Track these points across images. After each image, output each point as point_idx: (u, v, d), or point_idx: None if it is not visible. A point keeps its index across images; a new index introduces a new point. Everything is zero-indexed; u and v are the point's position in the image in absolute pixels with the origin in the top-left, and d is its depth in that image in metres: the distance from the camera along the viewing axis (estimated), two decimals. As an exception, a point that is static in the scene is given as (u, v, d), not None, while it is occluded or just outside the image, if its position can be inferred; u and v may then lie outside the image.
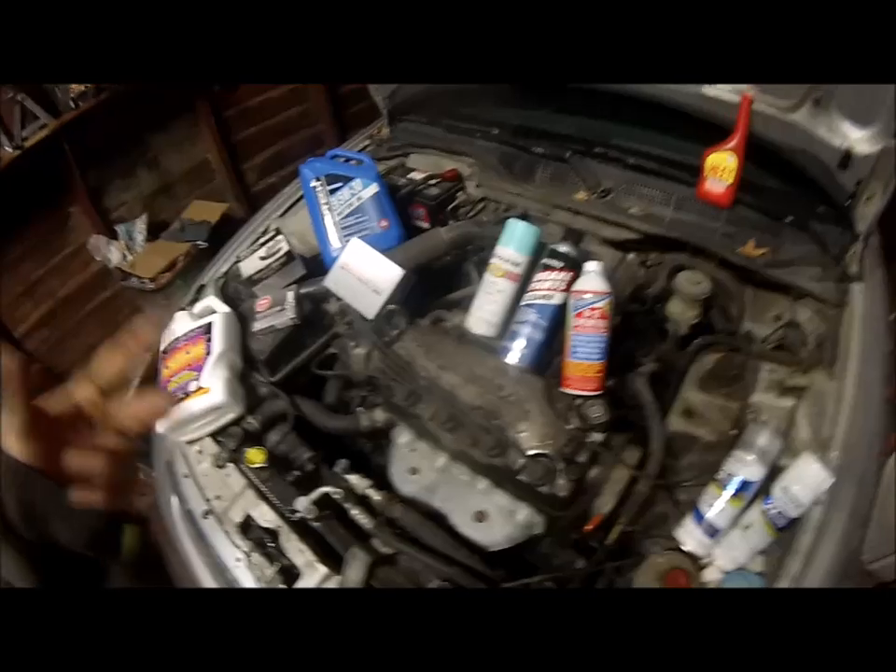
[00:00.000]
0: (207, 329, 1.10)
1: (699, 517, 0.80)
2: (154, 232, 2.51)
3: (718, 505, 0.78)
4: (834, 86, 0.92)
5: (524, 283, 1.01)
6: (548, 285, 0.95)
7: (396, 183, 1.34)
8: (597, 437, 0.87)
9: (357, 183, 1.20)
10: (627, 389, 0.93)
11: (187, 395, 1.01)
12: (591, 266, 0.90)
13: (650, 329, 1.06)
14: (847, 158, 0.96)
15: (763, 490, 0.79)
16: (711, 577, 0.78)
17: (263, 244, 1.18)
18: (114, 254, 2.42)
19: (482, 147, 1.35)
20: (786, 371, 0.95)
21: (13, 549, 0.41)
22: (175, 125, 2.54)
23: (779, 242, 1.07)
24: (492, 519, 0.89)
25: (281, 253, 1.16)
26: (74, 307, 2.47)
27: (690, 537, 0.80)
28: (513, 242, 1.02)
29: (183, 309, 1.19)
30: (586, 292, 0.87)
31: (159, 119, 2.50)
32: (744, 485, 0.78)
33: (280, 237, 1.18)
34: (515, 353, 0.95)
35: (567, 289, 0.93)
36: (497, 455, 0.88)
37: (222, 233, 2.34)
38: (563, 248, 0.99)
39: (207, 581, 1.00)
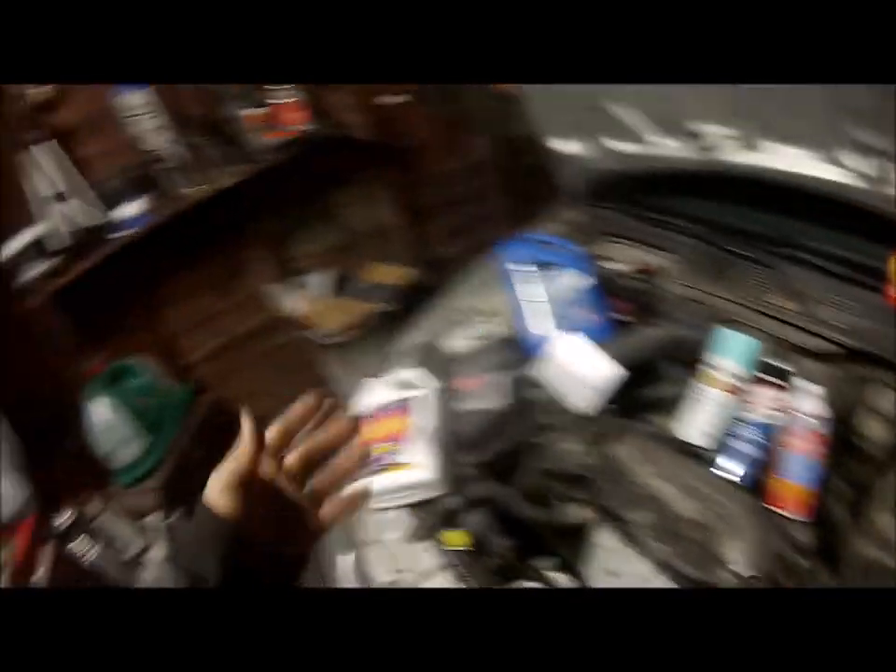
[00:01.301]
0: (411, 403, 1.31)
1: None
2: (335, 288, 2.92)
3: None
4: None
5: (738, 395, 1.19)
6: (767, 402, 1.13)
7: (597, 273, 1.49)
8: (803, 563, 1.03)
9: (567, 273, 1.40)
10: (824, 511, 1.09)
11: (388, 466, 1.24)
12: (813, 388, 1.09)
13: (842, 447, 1.18)
14: None
15: None
16: None
17: (469, 323, 1.41)
18: (291, 303, 2.86)
19: (681, 242, 1.56)
20: None
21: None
22: (361, 184, 2.95)
23: None
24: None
25: (492, 335, 1.39)
26: (245, 347, 2.98)
27: None
28: (731, 353, 1.18)
29: (374, 376, 1.45)
30: (808, 414, 1.06)
31: (346, 177, 2.91)
32: None
33: (490, 319, 1.39)
34: (734, 469, 1.13)
35: (785, 407, 1.12)
36: (705, 570, 1.05)
37: (406, 299, 2.73)
38: (780, 364, 1.17)
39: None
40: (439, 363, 1.50)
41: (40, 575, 1.68)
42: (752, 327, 1.41)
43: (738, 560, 1.06)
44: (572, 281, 1.43)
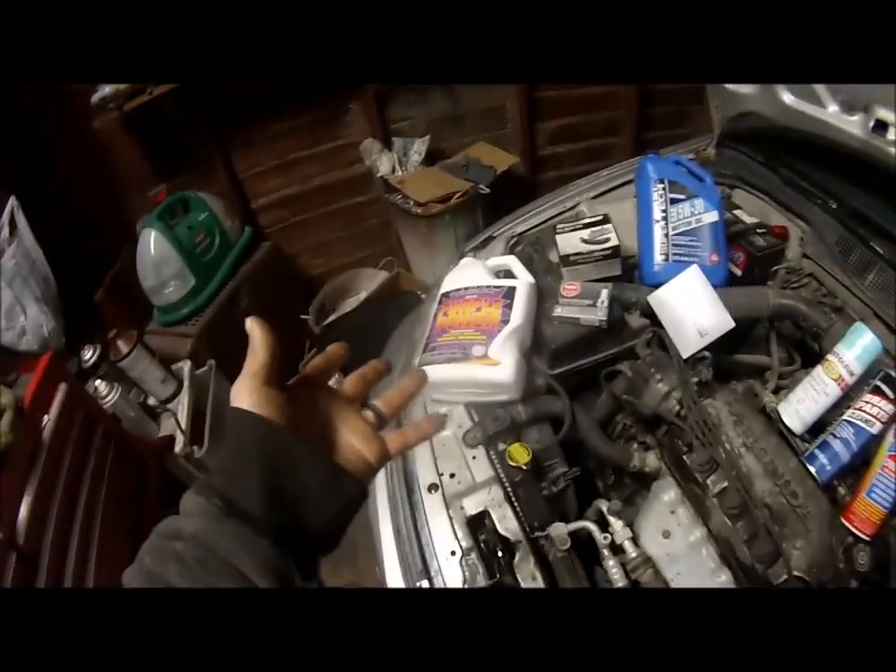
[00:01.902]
0: (508, 293, 1.22)
1: None
2: (431, 158, 2.80)
3: None
4: None
5: (848, 392, 1.14)
6: (875, 411, 1.08)
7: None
8: (854, 583, 1.01)
9: (699, 203, 1.34)
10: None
11: (467, 357, 1.14)
12: None
13: None
14: None
15: None
16: None
17: (587, 225, 1.32)
18: (384, 164, 2.71)
19: (819, 216, 1.49)
20: None
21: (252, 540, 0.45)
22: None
23: None
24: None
25: (608, 245, 1.30)
26: (324, 199, 2.88)
27: None
28: (857, 349, 1.13)
29: (466, 254, 1.36)
30: None
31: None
32: None
33: (609, 226, 1.31)
34: (821, 465, 1.09)
35: (889, 421, 1.06)
36: (758, 559, 1.03)
37: (505, 186, 2.66)
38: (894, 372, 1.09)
39: (391, 555, 1.13)
40: (542, 258, 1.42)
41: (51, 417, 1.51)
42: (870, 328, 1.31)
43: (795, 560, 1.04)
44: (703, 213, 1.35)
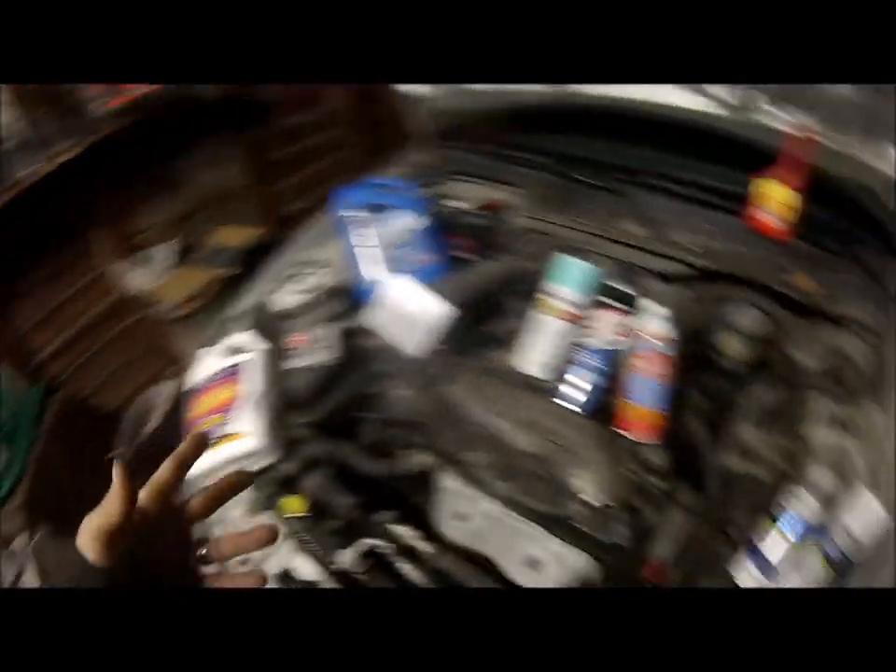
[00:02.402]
0: (240, 367, 1.27)
1: (755, 554, 0.96)
2: (182, 258, 2.83)
3: (774, 542, 0.95)
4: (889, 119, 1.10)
5: (577, 322, 1.18)
6: (606, 325, 1.13)
7: (438, 213, 1.50)
8: (657, 483, 1.06)
9: (398, 213, 1.39)
10: (680, 428, 1.12)
11: (218, 440, 1.18)
12: (655, 308, 1.09)
13: (698, 364, 1.24)
14: None
15: (819, 526, 0.97)
16: None
17: (300, 276, 1.38)
18: (137, 280, 2.75)
19: (529, 176, 1.58)
20: (840, 406, 1.13)
21: None
22: (206, 146, 2.87)
23: (830, 273, 1.28)
24: (545, 566, 1.06)
25: (322, 287, 1.36)
26: (101, 331, 2.84)
27: (745, 573, 0.97)
28: (568, 280, 1.18)
29: (209, 345, 1.40)
30: (650, 335, 1.07)
31: (188, 140, 2.81)
32: (800, 522, 0.95)
33: (319, 270, 1.37)
34: (571, 397, 1.13)
35: (627, 330, 1.12)
36: (554, 503, 1.07)
37: (253, 260, 2.53)
38: (619, 286, 1.16)
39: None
40: (269, 323, 1.47)
41: None
42: (600, 254, 1.42)
43: (588, 490, 1.08)
44: (406, 223, 1.43)
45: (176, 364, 2.90)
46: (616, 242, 1.44)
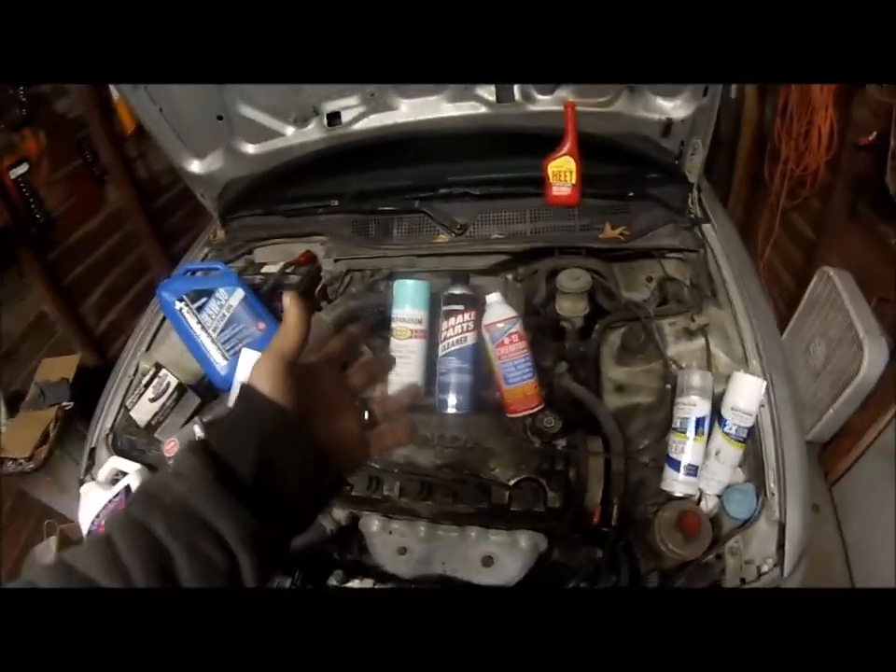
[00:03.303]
0: (127, 493, 1.22)
1: (676, 465, 1.08)
2: (11, 406, 2.58)
3: (687, 448, 1.08)
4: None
5: (429, 336, 1.23)
6: (458, 329, 1.19)
7: (253, 282, 1.52)
8: (562, 442, 1.14)
9: (221, 293, 1.40)
10: (557, 392, 1.21)
11: None
12: (492, 298, 1.18)
13: (546, 333, 1.37)
14: (668, 126, 1.39)
15: (715, 418, 1.12)
16: (710, 504, 1.10)
17: (147, 384, 1.31)
18: None
19: (328, 221, 1.65)
20: (684, 319, 1.28)
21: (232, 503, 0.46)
22: (2, 282, 2.64)
23: (630, 216, 1.47)
24: (499, 558, 1.10)
25: (171, 388, 1.30)
26: None
27: (677, 483, 1.08)
28: (408, 301, 1.22)
29: (84, 481, 1.33)
30: (498, 322, 1.15)
31: None
32: (700, 422, 1.09)
33: (163, 372, 1.31)
34: (451, 402, 1.17)
35: (476, 327, 1.19)
36: (482, 498, 1.12)
37: (85, 387, 2.53)
38: (458, 290, 1.23)
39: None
40: (132, 440, 1.41)
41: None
42: (421, 270, 1.54)
43: (504, 474, 1.16)
44: (229, 298, 1.43)
45: (49, 518, 2.70)
46: (431, 255, 1.55)
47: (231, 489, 0.47)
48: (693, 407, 1.12)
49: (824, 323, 2.22)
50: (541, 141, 1.45)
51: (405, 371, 1.22)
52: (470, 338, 1.20)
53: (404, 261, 1.55)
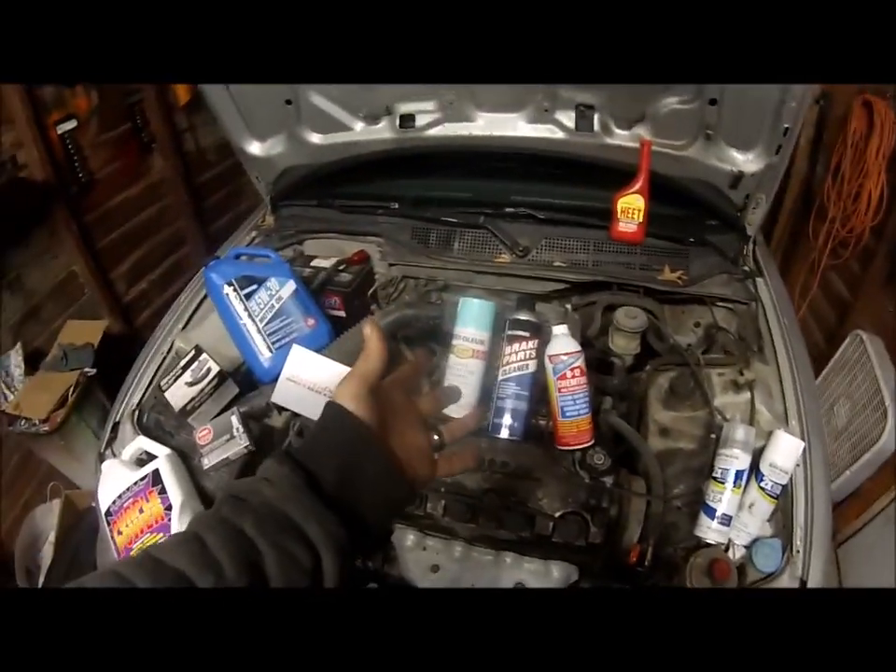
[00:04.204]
0: (154, 478, 1.21)
1: (711, 513, 1.14)
2: (32, 364, 2.55)
3: (724, 498, 1.14)
4: (720, 121, 1.36)
5: (489, 358, 1.23)
6: (521, 355, 1.20)
7: (301, 274, 1.54)
8: (609, 480, 1.19)
9: (272, 283, 1.40)
10: (601, 427, 1.24)
11: None
12: (559, 329, 1.21)
13: (592, 365, 1.33)
14: (738, 179, 1.44)
15: (752, 471, 1.17)
16: (738, 554, 1.16)
17: (185, 367, 1.31)
18: None
19: (387, 224, 1.67)
20: (732, 371, 1.33)
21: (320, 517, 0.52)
22: (34, 237, 2.63)
23: (687, 261, 1.52)
24: (529, 586, 1.16)
25: (211, 375, 1.30)
26: None
27: (710, 531, 1.14)
28: (473, 320, 1.22)
29: (104, 455, 1.34)
30: (562, 354, 1.19)
31: (14, 233, 2.53)
32: (739, 475, 1.15)
33: (204, 357, 1.32)
34: (505, 427, 1.17)
35: (538, 356, 1.20)
36: (526, 527, 1.16)
37: (109, 355, 2.56)
38: (524, 316, 1.24)
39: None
40: (160, 420, 1.42)
41: None
42: (478, 287, 1.57)
43: (549, 505, 1.20)
44: (280, 289, 1.44)
45: (54, 481, 2.69)
46: (490, 273, 1.58)
47: (317, 495, 0.53)
48: (735, 460, 1.18)
49: (851, 385, 2.28)
50: (611, 174, 1.50)
51: (463, 390, 1.23)
52: (532, 365, 1.21)
53: (462, 275, 1.58)
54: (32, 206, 2.55)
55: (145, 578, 0.46)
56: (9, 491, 2.67)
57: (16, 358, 2.54)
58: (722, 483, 1.17)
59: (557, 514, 1.18)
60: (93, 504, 2.34)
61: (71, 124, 2.57)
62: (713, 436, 1.26)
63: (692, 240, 1.57)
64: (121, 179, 2.95)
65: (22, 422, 2.42)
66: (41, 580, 2.51)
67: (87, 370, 2.51)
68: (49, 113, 2.47)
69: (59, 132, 2.52)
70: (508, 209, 1.63)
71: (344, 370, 1.25)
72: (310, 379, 1.28)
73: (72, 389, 2.44)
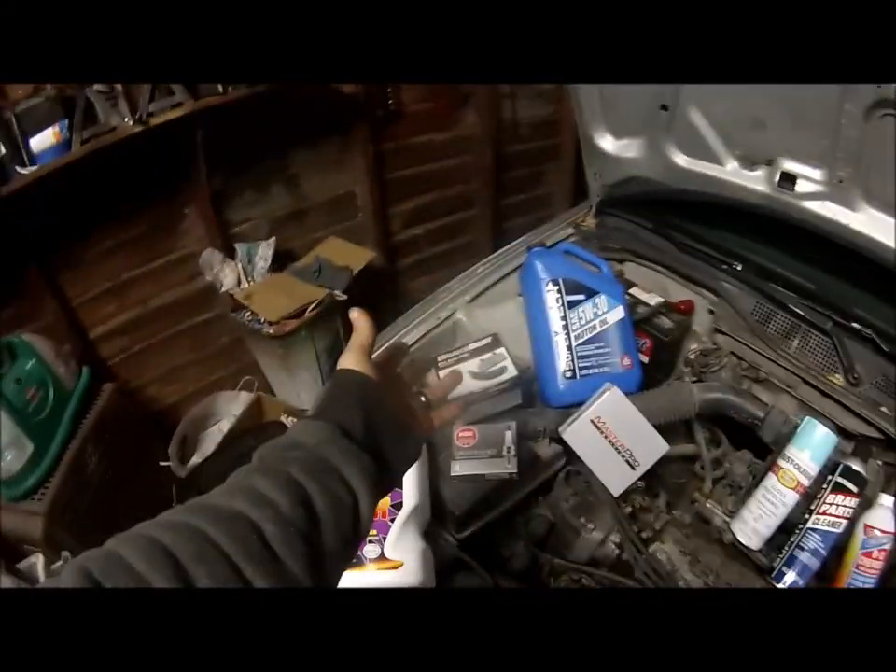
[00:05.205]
0: None
1: None
2: (279, 261, 2.62)
3: None
4: None
5: (807, 495, 1.10)
6: (840, 511, 1.08)
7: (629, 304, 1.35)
8: None
9: (601, 301, 1.25)
10: None
11: (360, 562, 1.01)
12: (888, 501, 1.06)
13: None
14: None
15: None
16: None
17: (474, 353, 1.21)
18: (228, 276, 2.51)
19: (728, 284, 1.45)
20: None
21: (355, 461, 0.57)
22: (325, 144, 2.67)
23: None
24: None
25: (504, 378, 1.18)
26: (167, 321, 2.65)
27: None
28: (812, 447, 1.10)
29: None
30: (880, 531, 1.05)
31: (307, 134, 2.61)
32: None
33: (501, 351, 1.20)
34: (790, 580, 1.08)
35: (854, 516, 1.08)
36: None
37: (362, 283, 2.57)
38: (858, 467, 1.11)
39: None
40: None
41: None
42: (802, 401, 1.35)
43: None
44: (607, 311, 1.28)
45: (253, 374, 2.80)
46: (815, 388, 1.34)
47: (351, 440, 0.59)
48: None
49: None
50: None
51: (767, 520, 1.12)
52: (843, 525, 1.08)
53: (786, 377, 1.37)
54: (333, 115, 2.59)
55: (210, 523, 0.48)
56: (204, 363, 2.82)
57: (265, 251, 2.58)
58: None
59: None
60: (283, 418, 2.47)
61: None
62: None
63: None
64: (430, 121, 2.95)
65: (247, 314, 2.45)
66: (195, 455, 2.67)
67: (337, 293, 2.49)
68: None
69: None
70: (854, 324, 1.34)
71: (655, 435, 1.13)
72: (615, 431, 1.12)
73: (313, 305, 2.41)
